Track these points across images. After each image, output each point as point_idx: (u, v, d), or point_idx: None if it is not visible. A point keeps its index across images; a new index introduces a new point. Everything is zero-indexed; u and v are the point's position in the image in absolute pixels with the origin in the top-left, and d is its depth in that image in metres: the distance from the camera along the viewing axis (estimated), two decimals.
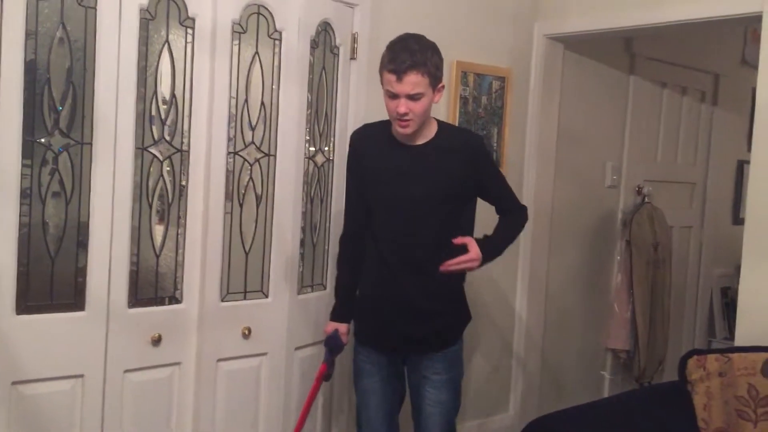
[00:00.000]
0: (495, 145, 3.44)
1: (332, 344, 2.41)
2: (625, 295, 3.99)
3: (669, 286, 4.18)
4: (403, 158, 2.25)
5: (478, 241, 2.26)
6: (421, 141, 2.25)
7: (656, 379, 4.05)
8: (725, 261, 4.59)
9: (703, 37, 4.21)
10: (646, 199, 4.07)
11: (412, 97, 2.12)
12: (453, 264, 2.21)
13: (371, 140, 2.34)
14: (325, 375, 2.43)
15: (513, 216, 2.42)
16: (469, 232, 2.40)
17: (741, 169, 4.59)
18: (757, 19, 2.74)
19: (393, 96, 2.14)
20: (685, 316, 4.58)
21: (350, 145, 2.40)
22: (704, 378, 2.36)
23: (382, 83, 2.18)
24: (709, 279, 4.65)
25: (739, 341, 2.66)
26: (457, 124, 3.24)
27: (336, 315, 2.45)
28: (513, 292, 3.65)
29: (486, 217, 2.45)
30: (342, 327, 2.43)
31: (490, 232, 2.37)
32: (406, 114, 2.13)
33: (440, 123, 2.31)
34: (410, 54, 2.10)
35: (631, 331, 3.99)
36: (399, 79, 2.10)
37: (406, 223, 2.25)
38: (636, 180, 4.12)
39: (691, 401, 2.36)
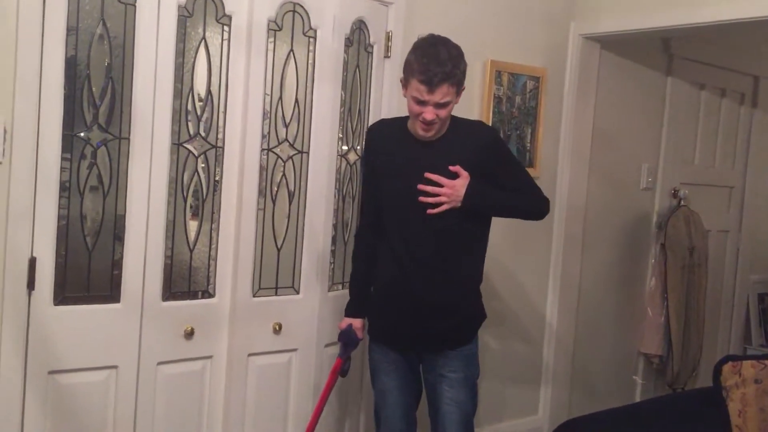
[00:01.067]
0: (528, 145, 3.42)
1: (346, 339, 2.44)
2: (659, 299, 3.93)
3: (704, 291, 4.11)
4: (417, 152, 2.27)
5: (470, 180, 2.23)
6: (436, 136, 2.26)
7: (690, 386, 3.99)
8: (763, 267, 4.50)
9: (743, 38, 4.13)
10: (682, 202, 4.01)
11: (440, 105, 2.14)
12: (430, 200, 2.21)
13: (387, 135, 2.37)
14: (341, 371, 2.45)
15: (530, 197, 2.39)
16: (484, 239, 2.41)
17: None
18: None
19: (420, 102, 2.15)
20: (721, 322, 4.50)
21: (366, 140, 2.45)
22: (739, 384, 2.33)
23: (405, 86, 2.21)
24: (746, 285, 4.57)
25: None
26: (490, 124, 3.23)
27: (350, 310, 2.48)
28: (544, 293, 3.62)
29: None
30: (356, 322, 2.46)
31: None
32: (433, 120, 2.15)
33: (454, 117, 2.31)
34: (441, 65, 2.11)
35: (665, 335, 3.94)
36: (431, 90, 2.12)
37: (419, 217, 2.24)
38: (672, 182, 4.06)
39: (726, 408, 2.32)
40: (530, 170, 3.43)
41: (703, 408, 2.36)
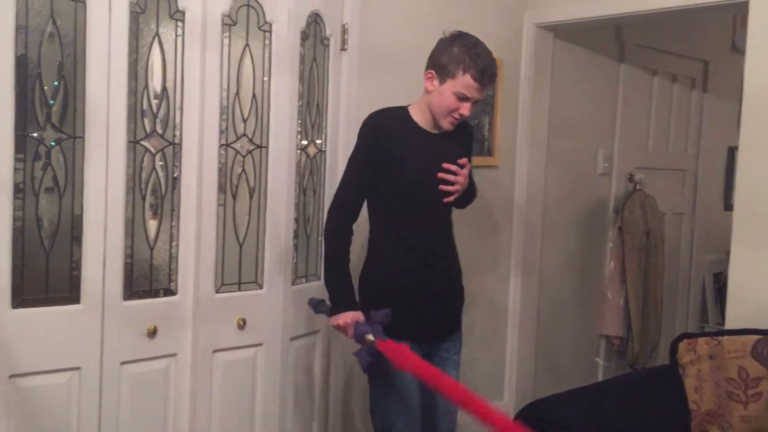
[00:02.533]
0: (486, 134, 3.46)
1: (370, 329, 2.16)
2: (618, 282, 4.02)
3: (661, 272, 4.22)
4: (431, 142, 2.33)
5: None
6: (437, 129, 2.34)
7: (650, 365, 4.09)
8: (717, 247, 4.62)
9: (693, 24, 4.23)
10: (638, 187, 4.10)
11: (476, 102, 2.26)
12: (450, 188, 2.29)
13: (396, 126, 2.32)
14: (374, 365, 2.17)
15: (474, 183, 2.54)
16: None
17: (732, 155, 4.62)
18: (744, 5, 2.76)
19: (463, 98, 2.21)
20: (678, 302, 4.62)
21: (370, 129, 2.32)
22: (695, 361, 2.40)
23: (446, 80, 2.21)
24: (701, 265, 4.70)
25: (729, 325, 2.69)
26: None
27: (351, 303, 2.27)
28: (506, 279, 3.68)
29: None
30: (359, 315, 2.23)
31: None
32: (466, 116, 2.25)
33: None
34: (494, 66, 2.24)
35: (625, 317, 4.03)
36: (482, 88, 2.22)
37: (432, 207, 2.31)
38: (627, 167, 4.15)
39: (683, 384, 2.40)
40: (489, 159, 3.49)
41: (661, 385, 2.43)
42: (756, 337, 2.38)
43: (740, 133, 2.71)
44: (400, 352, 2.05)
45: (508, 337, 3.70)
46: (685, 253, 4.62)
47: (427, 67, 2.30)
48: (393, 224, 2.31)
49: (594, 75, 3.92)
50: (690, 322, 4.66)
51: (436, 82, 2.25)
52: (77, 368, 2.25)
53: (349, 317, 2.22)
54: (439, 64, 2.23)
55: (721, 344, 2.40)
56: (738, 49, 4.39)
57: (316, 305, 2.44)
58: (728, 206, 4.65)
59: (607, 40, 3.96)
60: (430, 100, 2.28)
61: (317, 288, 2.85)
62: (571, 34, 3.71)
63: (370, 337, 2.14)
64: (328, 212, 2.38)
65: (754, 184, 2.66)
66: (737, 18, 4.46)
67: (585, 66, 3.87)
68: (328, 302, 2.37)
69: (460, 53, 2.20)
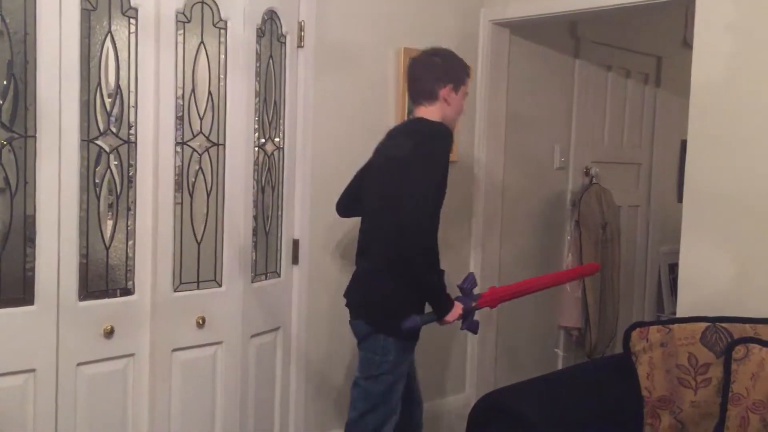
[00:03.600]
0: None
1: (471, 300, 2.50)
2: None
3: (618, 264, 4.30)
4: None
5: None
6: None
7: (608, 354, 4.17)
8: (672, 238, 4.70)
9: (646, 20, 4.32)
10: (594, 180, 4.17)
11: None
12: None
13: None
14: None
15: None
16: None
17: (685, 148, 4.70)
18: (692, 1, 2.83)
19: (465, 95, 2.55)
20: (635, 293, 4.71)
21: (448, 140, 2.42)
22: (647, 349, 2.46)
23: (458, 88, 2.49)
24: (657, 256, 4.80)
25: (680, 313, 2.76)
26: (406, 111, 3.29)
27: (450, 297, 2.46)
28: (466, 273, 3.71)
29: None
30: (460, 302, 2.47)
31: None
32: None
33: None
34: None
35: (582, 309, 4.10)
36: None
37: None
38: (584, 161, 4.22)
39: (636, 371, 2.45)
40: None
41: (615, 373, 2.48)
42: (705, 324, 2.45)
43: (689, 126, 2.78)
44: (496, 295, 2.59)
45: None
46: (641, 245, 4.72)
47: (444, 83, 2.45)
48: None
49: (550, 71, 3.98)
50: (646, 313, 4.76)
51: (452, 93, 2.47)
52: (32, 370, 2.22)
53: (459, 307, 2.44)
54: (455, 77, 2.48)
55: (672, 332, 2.46)
56: (689, 44, 4.46)
57: (419, 322, 2.38)
58: (682, 198, 4.74)
59: (562, 37, 4.02)
60: (448, 110, 2.48)
61: (278, 285, 2.86)
62: (527, 30, 3.76)
63: (474, 304, 2.49)
64: (413, 223, 2.25)
65: (701, 176, 2.73)
66: (689, 14, 4.55)
67: (541, 62, 3.92)
68: (419, 315, 2.39)
69: (459, 63, 2.52)
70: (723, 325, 2.43)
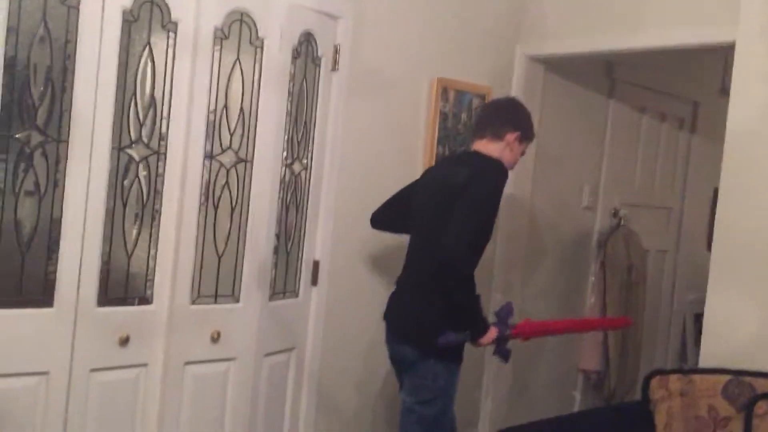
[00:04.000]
0: None
1: (507, 328, 2.54)
2: (599, 317, 4.02)
3: (642, 309, 4.22)
4: None
5: None
6: None
7: (626, 401, 4.08)
8: (699, 287, 4.61)
9: (683, 64, 4.29)
10: (622, 222, 4.12)
11: None
12: None
13: None
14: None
15: None
16: None
17: (717, 196, 4.64)
18: (732, 47, 2.81)
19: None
20: (658, 340, 4.62)
21: (505, 179, 2.52)
22: (666, 398, 2.40)
23: (525, 143, 2.61)
24: (683, 304, 4.70)
25: (703, 363, 2.70)
26: (436, 139, 3.29)
27: (486, 322, 2.51)
28: (486, 309, 3.67)
29: None
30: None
31: None
32: None
33: None
34: None
35: (603, 352, 4.02)
36: None
37: None
38: (613, 203, 4.17)
39: (653, 420, 2.39)
40: None
41: (632, 420, 2.43)
42: (727, 376, 2.39)
43: (722, 174, 2.74)
44: (530, 328, 2.60)
45: (485, 366, 3.69)
46: (667, 292, 4.63)
47: (514, 129, 2.55)
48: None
49: (583, 109, 3.96)
50: (669, 361, 4.66)
51: (516, 142, 2.55)
52: (46, 373, 2.23)
53: (494, 331, 2.47)
54: (524, 129, 2.58)
55: (692, 382, 2.40)
56: (727, 91, 4.42)
57: (453, 339, 2.41)
58: (711, 246, 4.67)
59: (597, 76, 4.01)
60: (507, 154, 2.55)
61: (295, 305, 2.86)
62: (562, 67, 3.76)
63: (508, 332, 2.52)
64: (463, 249, 2.31)
65: (732, 224, 2.68)
66: (728, 61, 4.51)
67: (574, 100, 3.91)
68: (454, 333, 2.40)
69: (531, 122, 2.64)
70: (746, 378, 2.37)
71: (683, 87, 4.41)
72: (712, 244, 2.77)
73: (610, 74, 4.06)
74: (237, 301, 2.62)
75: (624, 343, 4.08)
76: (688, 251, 4.66)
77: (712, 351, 2.69)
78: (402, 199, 2.71)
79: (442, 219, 2.35)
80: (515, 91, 3.61)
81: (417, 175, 3.27)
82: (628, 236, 4.10)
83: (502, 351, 2.55)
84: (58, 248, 2.23)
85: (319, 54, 2.85)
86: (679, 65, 4.28)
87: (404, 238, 3.13)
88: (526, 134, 2.59)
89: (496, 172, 2.46)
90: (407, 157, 3.25)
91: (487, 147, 2.53)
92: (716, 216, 2.75)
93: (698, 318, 4.73)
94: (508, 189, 3.60)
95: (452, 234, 2.29)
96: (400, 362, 2.53)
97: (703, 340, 2.76)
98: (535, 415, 3.69)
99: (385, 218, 2.76)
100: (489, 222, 2.39)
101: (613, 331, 4.00)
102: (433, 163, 3.24)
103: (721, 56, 4.32)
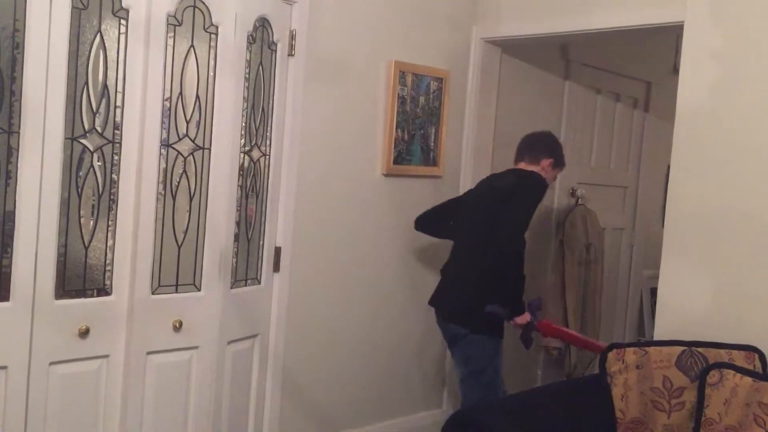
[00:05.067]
0: (432, 144, 3.51)
1: (535, 317, 2.98)
2: (558, 295, 4.09)
3: (600, 286, 4.31)
4: None
5: None
6: None
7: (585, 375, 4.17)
8: (655, 262, 4.73)
9: (636, 45, 4.36)
10: (580, 201, 4.19)
11: None
12: None
13: None
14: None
15: None
16: None
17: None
18: (681, 28, 2.87)
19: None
20: (617, 316, 4.72)
21: (545, 189, 3.01)
22: (623, 370, 2.46)
23: (557, 170, 3.10)
24: (639, 280, 4.82)
25: (658, 336, 2.77)
26: (395, 123, 3.30)
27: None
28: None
29: None
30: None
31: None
32: None
33: None
34: None
35: None
36: None
37: None
38: (570, 182, 4.23)
39: (610, 392, 2.45)
40: (434, 169, 3.54)
41: (590, 393, 2.48)
42: (681, 348, 2.46)
43: (672, 151, 2.80)
44: (551, 327, 3.03)
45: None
46: (624, 268, 4.73)
47: (548, 157, 3.04)
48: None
49: (539, 91, 4.00)
50: (627, 335, 4.77)
51: (550, 167, 3.03)
52: (4, 367, 2.21)
53: (527, 316, 2.92)
54: (557, 158, 3.07)
55: (648, 355, 2.47)
56: (679, 71, 4.52)
57: (500, 310, 2.86)
58: None
59: (553, 58, 4.05)
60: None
61: (257, 292, 2.85)
62: (519, 49, 3.79)
63: (535, 323, 2.96)
64: (509, 242, 2.80)
65: (683, 201, 2.75)
66: (679, 41, 4.58)
67: (531, 82, 3.95)
68: (499, 307, 2.86)
69: (563, 154, 3.11)
70: (699, 349, 2.44)
71: (636, 67, 4.49)
72: (665, 219, 2.84)
73: (565, 56, 4.11)
74: (198, 289, 2.61)
75: (583, 320, 4.17)
76: (643, 229, 4.76)
77: (667, 324, 2.76)
78: (449, 210, 3.18)
79: (493, 215, 2.82)
80: (472, 73, 3.63)
81: (375, 159, 3.30)
82: (585, 215, 4.17)
83: (526, 337, 2.95)
84: (13, 242, 2.19)
85: (275, 39, 2.83)
86: (632, 46, 4.35)
87: (366, 223, 3.16)
88: (558, 162, 3.08)
89: (536, 180, 2.97)
90: (366, 141, 3.26)
91: (526, 167, 3.03)
92: (668, 193, 2.82)
93: (654, 293, 4.84)
94: (468, 170, 3.66)
95: (509, 226, 2.78)
96: (450, 339, 2.99)
97: (657, 314, 2.83)
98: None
99: (433, 224, 3.22)
100: (530, 217, 2.90)
101: (573, 308, 4.08)
102: (392, 147, 3.27)
103: (673, 36, 4.40)
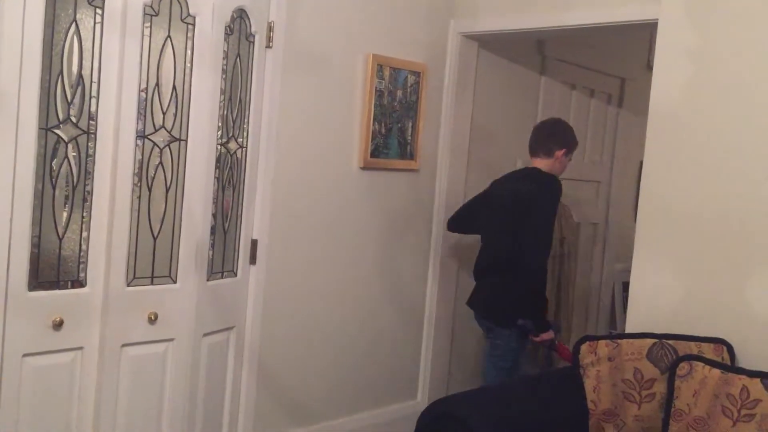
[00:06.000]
0: (409, 138, 3.52)
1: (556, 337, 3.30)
2: None
3: (573, 279, 4.37)
4: None
5: None
6: None
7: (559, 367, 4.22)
8: (627, 257, 4.80)
9: (611, 42, 4.41)
10: None
11: None
12: None
13: None
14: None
15: None
16: None
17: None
18: (655, 25, 2.91)
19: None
20: (590, 309, 4.79)
21: (560, 191, 3.26)
22: (595, 362, 2.51)
23: (570, 154, 3.31)
24: (612, 273, 4.88)
25: (629, 328, 2.82)
26: (372, 117, 3.31)
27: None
28: (424, 281, 3.74)
29: None
30: None
31: None
32: None
33: None
34: None
35: None
36: None
37: None
38: None
39: (583, 384, 2.49)
40: (410, 163, 3.55)
41: (563, 385, 2.53)
42: (652, 340, 2.51)
43: (645, 147, 2.84)
44: (566, 351, 3.16)
45: (424, 338, 3.77)
46: (597, 262, 4.80)
47: (561, 146, 3.25)
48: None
49: (516, 86, 4.03)
50: (599, 328, 4.84)
51: (563, 156, 3.25)
52: None
53: (551, 333, 3.20)
54: (570, 144, 3.28)
55: (619, 347, 2.51)
56: (652, 67, 4.58)
57: (529, 325, 3.17)
58: None
59: (529, 53, 4.08)
60: (557, 166, 3.26)
61: (234, 284, 2.85)
62: (495, 44, 3.81)
63: (557, 342, 3.26)
64: (538, 252, 3.11)
65: (655, 196, 2.80)
66: (653, 38, 4.65)
67: (507, 76, 3.98)
68: (530, 322, 3.17)
69: (574, 137, 3.33)
70: (669, 342, 2.49)
71: (611, 64, 4.54)
72: (637, 213, 2.89)
73: (541, 51, 4.14)
74: (174, 281, 2.60)
75: (557, 313, 4.22)
76: (616, 223, 4.83)
77: (638, 317, 2.81)
78: (472, 211, 3.45)
79: (514, 227, 3.10)
80: (449, 67, 3.65)
81: (352, 152, 3.30)
82: (559, 209, 4.20)
83: (547, 355, 3.33)
84: None
85: (253, 31, 2.82)
86: (607, 42, 4.40)
87: (342, 215, 3.17)
88: (570, 148, 3.30)
89: (554, 186, 3.21)
90: (343, 134, 3.27)
91: (541, 163, 3.25)
92: (640, 188, 2.86)
93: (626, 286, 4.90)
94: (445, 164, 3.68)
95: (533, 236, 3.09)
96: (486, 330, 3.35)
97: (629, 307, 2.88)
98: (473, 383, 3.81)
99: (460, 226, 3.52)
100: (551, 224, 3.21)
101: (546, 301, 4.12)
102: (370, 140, 3.27)
103: (647, 33, 4.47)
